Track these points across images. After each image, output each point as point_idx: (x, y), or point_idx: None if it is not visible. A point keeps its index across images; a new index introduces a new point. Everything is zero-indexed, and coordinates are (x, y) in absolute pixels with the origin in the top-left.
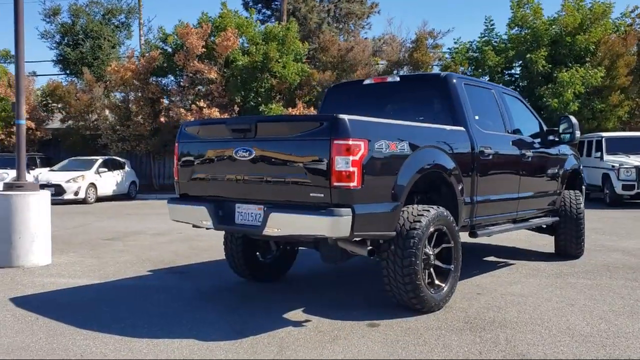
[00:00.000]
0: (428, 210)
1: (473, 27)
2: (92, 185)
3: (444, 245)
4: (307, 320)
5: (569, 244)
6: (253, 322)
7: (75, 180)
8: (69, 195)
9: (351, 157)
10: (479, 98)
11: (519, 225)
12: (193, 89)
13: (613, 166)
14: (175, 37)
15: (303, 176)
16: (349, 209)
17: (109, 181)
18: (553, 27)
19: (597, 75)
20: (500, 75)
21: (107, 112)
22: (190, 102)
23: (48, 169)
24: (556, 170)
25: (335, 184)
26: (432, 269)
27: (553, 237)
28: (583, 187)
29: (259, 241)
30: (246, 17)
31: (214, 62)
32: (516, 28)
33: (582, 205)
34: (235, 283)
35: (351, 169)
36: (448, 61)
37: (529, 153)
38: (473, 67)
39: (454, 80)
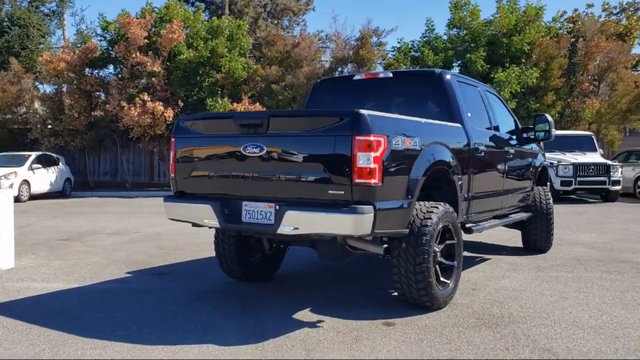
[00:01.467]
0: (437, 207)
1: (416, 25)
2: (25, 182)
3: (447, 242)
4: (320, 321)
5: (539, 238)
6: (265, 324)
7: (7, 177)
8: None
9: (372, 154)
10: (468, 95)
11: (502, 221)
12: (133, 82)
13: (552, 163)
14: (117, 25)
15: (321, 173)
16: (371, 207)
17: (43, 178)
18: (490, 28)
19: (532, 76)
20: None
21: (37, 104)
22: (127, 95)
23: None
24: (530, 167)
25: (357, 180)
26: (437, 266)
27: (520, 232)
28: (548, 183)
29: (251, 240)
30: (193, 11)
31: (157, 55)
32: (455, 29)
33: (551, 201)
34: (225, 283)
35: (372, 165)
36: (390, 60)
37: (511, 150)
38: (413, 66)
39: (449, 77)
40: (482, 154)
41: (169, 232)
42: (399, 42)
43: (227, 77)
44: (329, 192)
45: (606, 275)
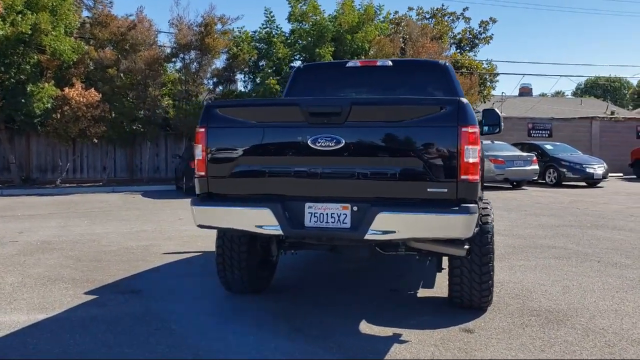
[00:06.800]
0: (488, 202)
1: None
2: None
3: None
4: (396, 334)
5: None
6: (345, 343)
7: None
8: None
9: (476, 147)
10: None
11: None
12: None
13: None
14: None
15: (418, 169)
16: (476, 205)
17: None
18: (334, 24)
19: None
20: (287, 69)
21: None
22: None
23: None
24: None
25: (463, 177)
26: None
27: None
28: None
29: (257, 246)
30: None
31: None
32: (296, 22)
33: None
34: (225, 298)
35: (476, 159)
36: (236, 49)
37: None
38: (258, 57)
39: (451, 67)
40: None
41: (55, 239)
42: (240, 32)
43: (53, 59)
44: (428, 190)
45: (562, 262)
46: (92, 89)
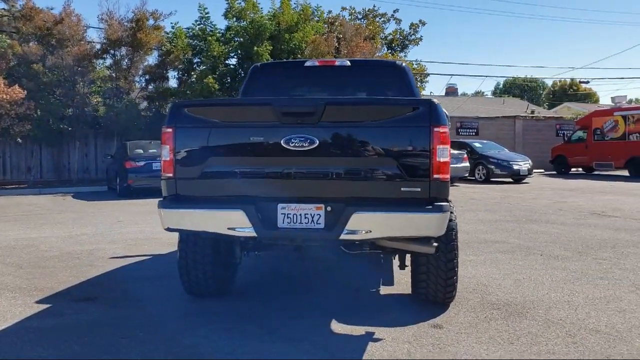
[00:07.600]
0: (450, 200)
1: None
2: None
3: None
4: (369, 332)
5: None
6: (322, 344)
7: None
8: None
9: (447, 146)
10: None
11: None
12: None
13: None
14: None
15: (391, 168)
16: (448, 204)
17: None
18: (273, 22)
19: None
20: (223, 67)
21: None
22: None
23: None
24: None
25: (435, 176)
26: None
27: None
28: None
29: (220, 248)
30: None
31: None
32: (233, 19)
33: None
34: (187, 301)
35: (447, 159)
36: (169, 46)
37: None
38: (193, 54)
39: (408, 69)
40: None
41: None
42: (173, 28)
43: None
44: (402, 189)
45: (508, 256)
46: (16, 86)
